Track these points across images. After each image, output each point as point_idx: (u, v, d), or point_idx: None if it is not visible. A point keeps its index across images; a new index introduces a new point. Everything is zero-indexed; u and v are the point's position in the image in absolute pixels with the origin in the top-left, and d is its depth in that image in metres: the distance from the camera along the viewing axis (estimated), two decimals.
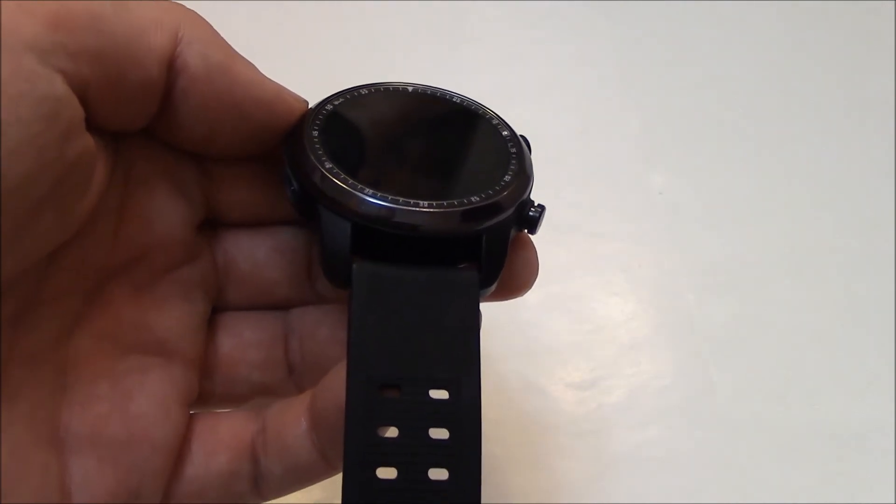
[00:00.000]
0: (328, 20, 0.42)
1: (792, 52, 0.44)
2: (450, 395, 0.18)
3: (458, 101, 0.22)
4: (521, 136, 0.21)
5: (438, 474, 0.17)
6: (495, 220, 0.19)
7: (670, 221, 0.36)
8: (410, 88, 0.22)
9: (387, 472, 0.17)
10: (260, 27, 0.41)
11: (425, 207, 0.18)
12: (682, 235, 0.36)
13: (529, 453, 0.29)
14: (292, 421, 0.19)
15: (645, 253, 0.35)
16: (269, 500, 0.20)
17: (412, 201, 0.18)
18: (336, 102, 0.21)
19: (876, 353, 0.33)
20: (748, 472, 0.29)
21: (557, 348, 0.32)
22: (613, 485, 0.29)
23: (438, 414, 0.18)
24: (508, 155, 0.20)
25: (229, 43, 0.19)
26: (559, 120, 0.39)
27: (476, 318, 0.19)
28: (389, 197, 0.18)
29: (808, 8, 0.45)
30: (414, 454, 0.17)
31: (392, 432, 0.18)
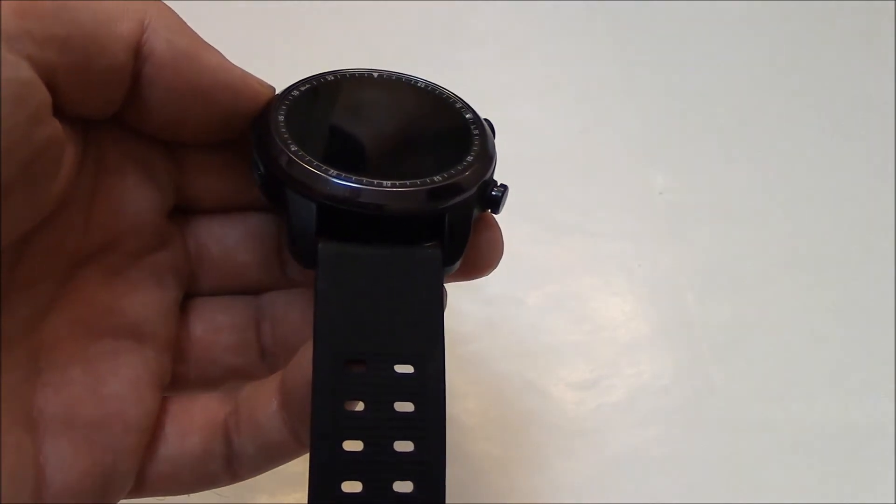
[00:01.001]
0: (328, 20, 0.42)
1: (792, 52, 0.44)
2: (414, 369, 0.18)
3: (422, 85, 0.22)
4: (486, 119, 0.22)
5: (404, 446, 0.18)
6: (457, 200, 0.20)
7: (670, 221, 0.36)
8: (376, 74, 0.22)
9: (353, 445, 0.18)
10: (259, 27, 0.41)
11: (388, 187, 0.19)
12: (682, 235, 0.36)
13: (529, 453, 0.29)
14: (264, 400, 0.20)
15: (645, 253, 0.35)
16: (243, 479, 0.20)
17: (376, 181, 0.19)
18: (302, 88, 0.21)
19: (876, 353, 0.33)
20: (748, 472, 0.29)
21: (557, 348, 0.32)
22: (613, 485, 0.29)
23: (403, 388, 0.18)
24: (471, 136, 0.21)
25: (196, 33, 0.19)
26: (559, 120, 0.39)
27: (440, 294, 0.19)
28: (353, 178, 0.19)
29: (808, 8, 0.45)
30: (380, 427, 0.18)
31: (358, 406, 0.18)
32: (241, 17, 0.41)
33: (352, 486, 0.17)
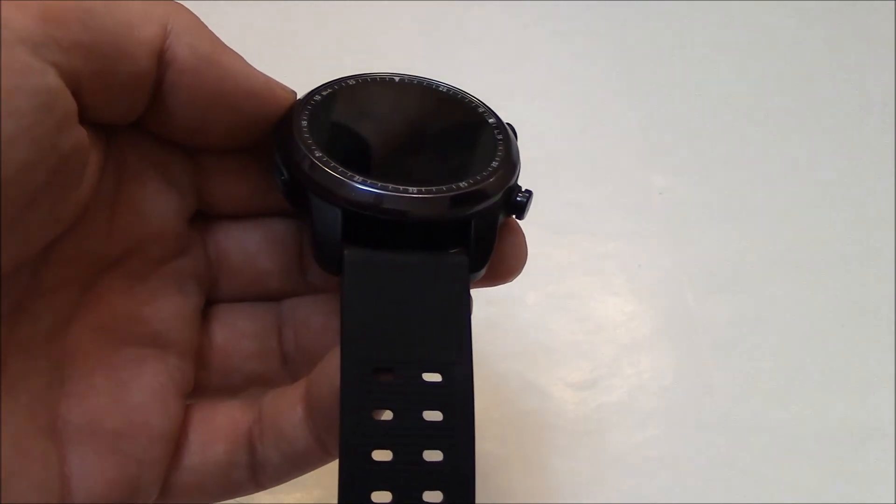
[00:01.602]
0: (328, 20, 0.42)
1: (792, 52, 0.44)
2: (442, 377, 0.18)
3: (444, 89, 0.22)
4: (508, 124, 0.22)
5: (433, 456, 0.18)
6: (483, 206, 0.19)
7: (670, 221, 0.36)
8: (397, 78, 0.22)
9: (382, 455, 0.18)
10: (258, 27, 0.41)
11: (414, 193, 0.19)
12: (682, 235, 0.36)
13: (529, 453, 0.29)
14: (288, 409, 0.19)
15: (645, 253, 0.35)
16: (267, 488, 0.20)
17: (401, 188, 0.19)
18: (324, 93, 0.21)
19: (876, 353, 0.33)
20: (748, 472, 0.29)
21: (557, 348, 0.32)
22: (613, 485, 0.29)
23: (432, 396, 0.18)
24: (495, 141, 0.21)
25: (218, 37, 0.19)
26: (559, 120, 0.39)
27: (466, 301, 0.19)
28: (379, 184, 0.19)
29: (808, 8, 0.45)
30: (408, 436, 0.18)
31: (387, 415, 0.18)
32: (240, 17, 0.41)
33: (382, 496, 0.17)
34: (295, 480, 0.21)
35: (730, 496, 0.29)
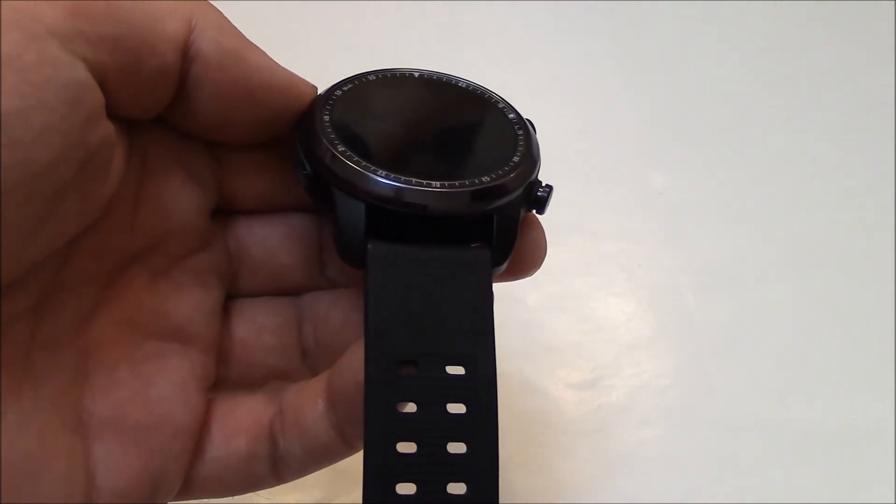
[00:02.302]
0: (327, 20, 0.42)
1: (792, 52, 0.44)
2: (466, 370, 0.18)
3: (464, 85, 0.22)
4: (528, 119, 0.22)
5: (456, 448, 0.18)
6: (506, 200, 0.20)
7: (670, 221, 0.36)
8: (417, 74, 0.22)
9: (407, 447, 0.18)
10: (259, 27, 0.41)
11: (437, 188, 0.19)
12: (682, 235, 0.36)
13: (529, 453, 0.29)
14: (310, 402, 0.20)
15: (645, 253, 0.35)
16: (288, 481, 0.20)
17: (424, 182, 0.19)
18: (345, 88, 0.21)
19: (876, 353, 0.33)
20: (748, 472, 0.29)
21: (557, 348, 0.32)
22: (613, 485, 0.29)
23: (455, 389, 0.18)
24: (516, 137, 0.21)
25: (242, 32, 0.19)
26: (559, 119, 0.39)
27: (489, 295, 0.19)
28: (402, 178, 0.19)
29: (808, 8, 0.45)
30: (432, 429, 0.18)
31: (410, 408, 0.18)
32: (238, 17, 0.41)
33: (406, 488, 0.17)
34: (294, 482, 0.21)
35: (730, 496, 0.29)
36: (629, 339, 0.33)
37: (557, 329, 0.33)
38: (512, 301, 0.33)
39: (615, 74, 0.42)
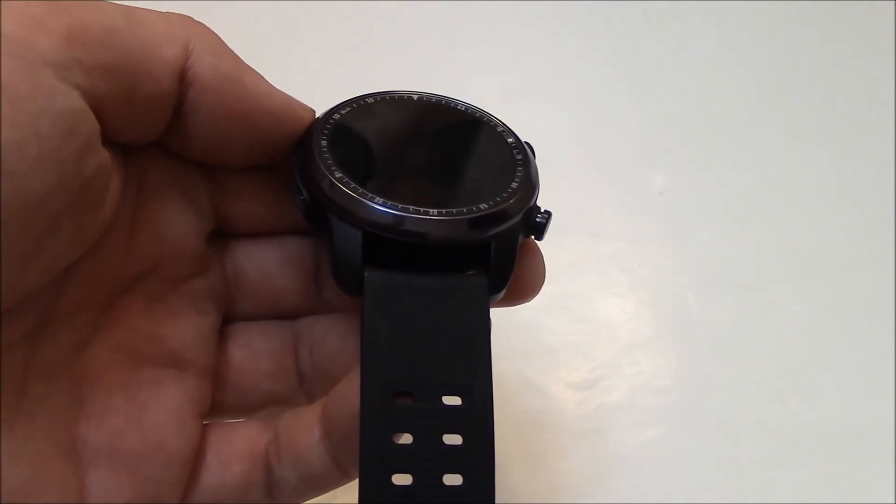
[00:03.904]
0: (327, 21, 0.42)
1: (792, 52, 0.44)
2: (462, 401, 0.18)
3: (462, 108, 0.22)
4: (526, 142, 0.21)
5: (453, 480, 0.18)
6: (504, 227, 0.19)
7: (670, 221, 0.36)
8: (416, 97, 0.22)
9: (402, 479, 0.17)
10: (259, 29, 0.41)
11: (434, 215, 0.19)
12: (682, 235, 0.36)
13: (529, 453, 0.29)
14: (305, 429, 0.19)
15: (645, 253, 0.35)
16: None
17: (422, 209, 0.19)
18: (343, 112, 0.21)
19: (876, 353, 0.33)
20: (748, 472, 0.29)
21: (557, 348, 0.32)
22: (613, 485, 0.29)
23: (452, 420, 0.18)
24: (514, 162, 0.21)
25: (238, 56, 0.19)
26: (559, 120, 0.39)
27: (486, 323, 0.19)
28: (399, 205, 0.19)
29: (808, 8, 0.45)
30: (428, 460, 0.18)
31: (406, 439, 0.18)
32: (238, 17, 0.41)
33: None
34: None
35: (730, 496, 0.29)
36: (629, 339, 0.33)
37: (557, 329, 0.33)
38: None
39: (615, 74, 0.42)
